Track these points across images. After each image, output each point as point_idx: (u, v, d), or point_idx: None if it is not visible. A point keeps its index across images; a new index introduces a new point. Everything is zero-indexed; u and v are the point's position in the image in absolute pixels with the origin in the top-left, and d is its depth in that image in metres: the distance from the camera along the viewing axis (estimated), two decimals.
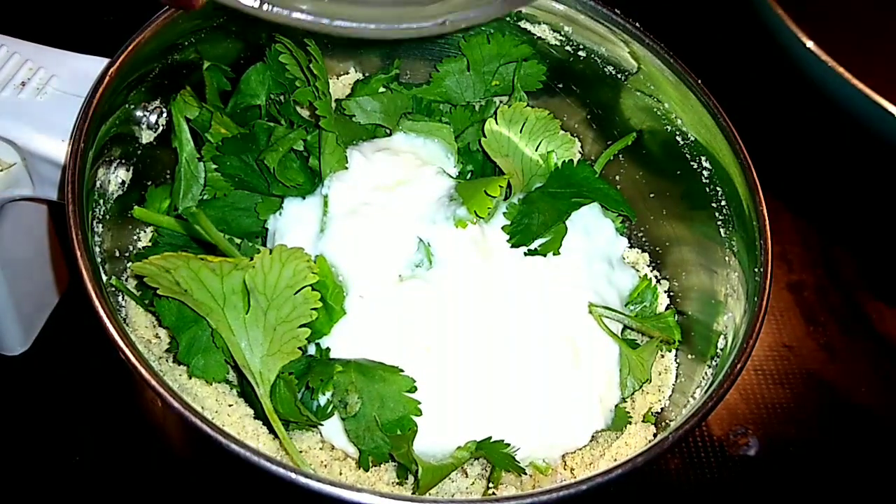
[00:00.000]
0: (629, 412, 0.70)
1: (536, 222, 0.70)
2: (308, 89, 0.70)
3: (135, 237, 0.71)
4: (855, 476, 0.93)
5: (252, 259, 0.58)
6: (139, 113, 0.68)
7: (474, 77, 0.79)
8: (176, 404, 0.51)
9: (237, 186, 0.68)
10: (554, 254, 0.69)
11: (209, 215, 0.67)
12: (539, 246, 0.70)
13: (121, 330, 0.54)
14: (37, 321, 0.88)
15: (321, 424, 0.62)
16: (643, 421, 0.69)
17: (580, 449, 0.67)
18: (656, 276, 0.79)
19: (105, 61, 0.64)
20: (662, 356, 0.73)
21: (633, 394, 0.70)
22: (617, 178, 0.81)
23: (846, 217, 1.16)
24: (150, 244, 0.70)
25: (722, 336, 0.68)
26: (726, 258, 0.70)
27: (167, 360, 0.65)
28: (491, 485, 0.64)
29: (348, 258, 0.64)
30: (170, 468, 0.80)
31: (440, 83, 0.79)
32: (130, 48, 0.64)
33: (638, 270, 0.78)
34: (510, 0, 0.57)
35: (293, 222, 0.67)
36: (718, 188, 0.72)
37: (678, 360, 0.73)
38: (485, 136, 0.72)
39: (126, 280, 0.68)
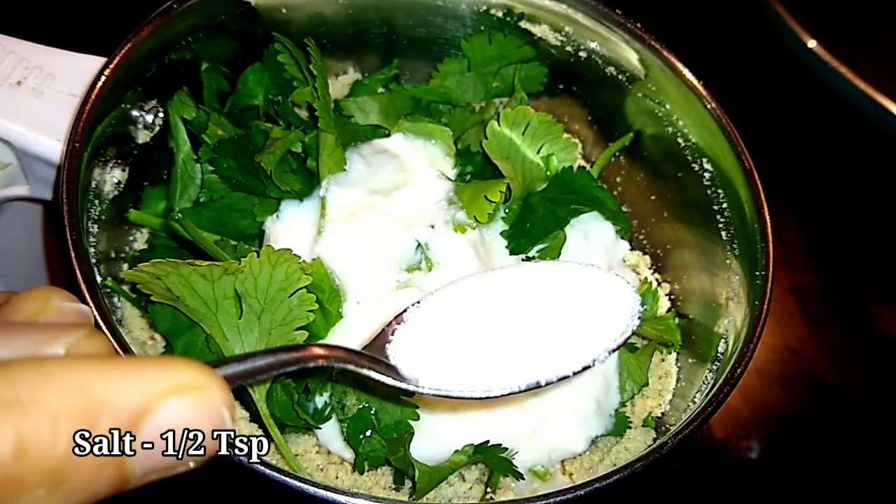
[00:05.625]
0: (629, 417, 0.69)
1: (535, 229, 0.69)
2: (306, 90, 0.69)
3: (131, 238, 0.70)
4: (857, 479, 0.93)
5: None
6: (135, 113, 0.67)
7: (475, 78, 0.78)
8: None
9: (234, 188, 0.67)
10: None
11: (206, 217, 0.66)
12: (537, 252, 0.69)
13: (115, 332, 0.53)
14: None
15: (319, 428, 0.61)
16: (643, 425, 0.69)
17: (579, 454, 0.66)
18: (657, 279, 0.78)
19: (102, 60, 0.63)
20: (663, 360, 0.73)
21: (632, 398, 0.70)
22: (618, 180, 0.80)
23: (848, 219, 1.15)
24: (146, 246, 0.69)
25: (723, 340, 0.67)
26: (727, 261, 0.70)
27: None
28: (489, 490, 0.64)
29: (345, 262, 0.64)
30: None
31: (440, 83, 0.78)
32: (127, 48, 0.63)
33: (639, 273, 0.78)
34: None
35: (290, 225, 0.66)
36: (720, 191, 0.71)
37: (679, 364, 0.73)
38: (486, 138, 0.71)
39: (122, 281, 0.68)
